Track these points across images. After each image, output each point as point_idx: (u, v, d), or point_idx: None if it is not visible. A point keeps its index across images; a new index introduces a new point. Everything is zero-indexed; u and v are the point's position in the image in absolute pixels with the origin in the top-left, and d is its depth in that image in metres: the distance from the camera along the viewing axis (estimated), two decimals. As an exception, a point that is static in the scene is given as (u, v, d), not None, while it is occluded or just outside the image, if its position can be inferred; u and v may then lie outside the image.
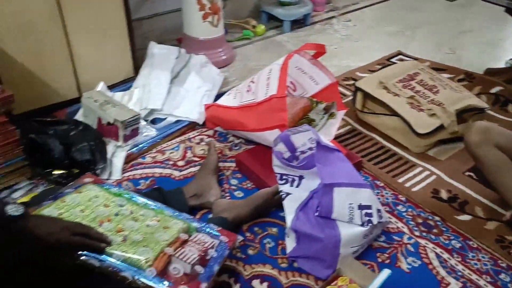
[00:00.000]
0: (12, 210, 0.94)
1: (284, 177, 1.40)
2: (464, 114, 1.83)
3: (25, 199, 1.39)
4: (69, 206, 1.13)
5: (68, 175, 1.49)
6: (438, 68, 2.34)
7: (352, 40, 2.74)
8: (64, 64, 1.79)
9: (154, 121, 1.87)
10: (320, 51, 1.73)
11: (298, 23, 2.86)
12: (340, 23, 2.95)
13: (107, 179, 1.56)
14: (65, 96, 1.85)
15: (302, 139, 1.41)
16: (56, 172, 1.51)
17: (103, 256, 1.02)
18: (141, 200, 1.25)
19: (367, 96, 1.95)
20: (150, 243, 1.08)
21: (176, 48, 2.15)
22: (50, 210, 1.11)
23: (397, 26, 2.93)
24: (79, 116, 1.75)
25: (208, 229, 1.22)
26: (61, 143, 1.52)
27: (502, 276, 1.31)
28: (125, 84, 2.00)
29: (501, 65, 2.44)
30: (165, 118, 1.86)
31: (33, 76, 1.72)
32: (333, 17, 3.02)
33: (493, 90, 2.17)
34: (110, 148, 1.65)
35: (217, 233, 1.21)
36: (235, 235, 1.24)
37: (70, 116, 1.75)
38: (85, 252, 1.01)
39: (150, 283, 1.00)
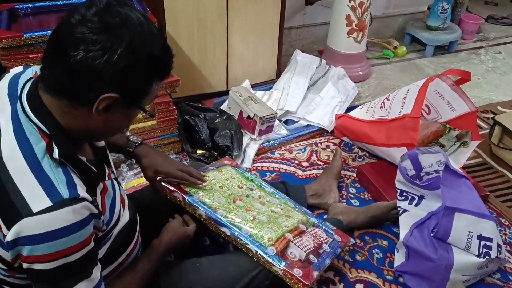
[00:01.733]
0: (134, 138, 1.16)
1: (404, 193, 1.44)
2: None
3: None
4: (210, 181, 1.28)
5: (209, 156, 1.71)
6: None
7: (499, 73, 2.61)
8: (220, 59, 2.03)
9: (287, 122, 2.02)
10: (464, 78, 1.71)
11: (442, 49, 2.81)
12: (488, 54, 2.82)
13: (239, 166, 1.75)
14: (214, 87, 2.09)
15: (430, 160, 1.43)
16: (200, 151, 1.74)
17: (234, 228, 1.17)
18: (269, 188, 1.39)
19: (505, 131, 1.87)
20: (274, 225, 1.20)
21: (318, 58, 2.29)
22: None
23: (554, 65, 2.71)
24: (224, 107, 1.97)
25: (324, 226, 1.31)
26: (208, 127, 1.75)
27: None
28: (266, 84, 2.19)
29: None
30: (297, 121, 2.00)
31: (194, 67, 1.98)
32: (481, 47, 2.91)
33: None
34: (245, 139, 1.84)
35: (332, 232, 1.30)
36: (348, 237, 1.32)
37: (217, 106, 1.99)
38: (221, 221, 1.16)
39: (270, 260, 1.12)
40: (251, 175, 1.43)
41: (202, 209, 1.17)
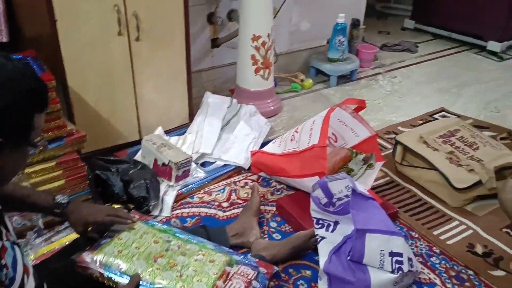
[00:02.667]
0: (60, 198, 1.18)
1: (320, 221, 1.50)
2: (503, 172, 1.86)
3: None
4: (125, 243, 1.22)
5: (125, 209, 1.66)
6: (481, 126, 2.38)
7: (397, 96, 2.84)
8: (130, 109, 2.02)
9: (204, 164, 2.03)
10: (361, 105, 1.84)
11: (345, 78, 3.01)
12: (385, 79, 3.07)
13: (158, 215, 1.72)
14: (127, 138, 2.06)
15: (339, 186, 1.50)
16: (115, 206, 1.68)
17: None
18: (183, 235, 1.36)
19: (406, 149, 2.02)
20: (203, 276, 1.18)
21: (229, 98, 2.35)
22: (110, 248, 1.20)
23: (444, 84, 3.00)
24: (138, 157, 1.95)
25: (247, 261, 1.32)
26: (121, 180, 1.71)
27: (536, 335, 1.31)
28: (180, 129, 2.20)
29: (548, 125, 2.44)
30: (214, 162, 2.02)
31: (103, 120, 1.95)
32: (379, 73, 3.15)
33: (537, 149, 2.17)
34: (163, 187, 1.82)
35: (256, 265, 1.32)
36: (272, 266, 1.35)
37: (130, 156, 1.95)
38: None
39: None
40: (162, 225, 1.38)
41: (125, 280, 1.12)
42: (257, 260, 1.34)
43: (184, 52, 2.08)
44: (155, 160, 1.86)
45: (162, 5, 1.92)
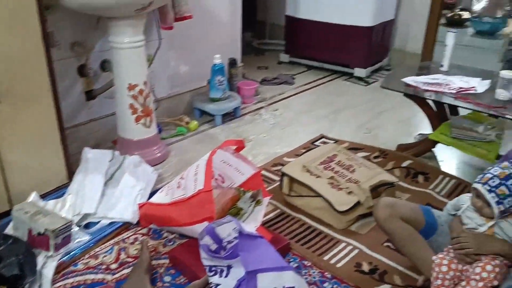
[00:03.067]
0: None
1: (213, 268, 1.48)
2: (378, 189, 2.01)
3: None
4: None
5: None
6: (356, 148, 2.57)
7: (280, 127, 2.96)
8: (-5, 178, 1.83)
9: (88, 226, 1.90)
10: (240, 145, 1.89)
11: (229, 116, 3.07)
12: (268, 112, 3.19)
13: (38, 291, 1.56)
14: (-4, 209, 1.87)
15: (227, 230, 1.50)
16: (-16, 289, 1.50)
17: None
18: None
19: (292, 180, 2.10)
20: None
21: (110, 151, 2.25)
22: None
23: (321, 111, 3.21)
24: (9, 229, 1.76)
25: None
26: (-11, 259, 1.53)
27: None
28: (58, 191, 2.05)
29: (411, 140, 2.71)
30: (98, 221, 1.91)
31: (-38, 194, 1.74)
32: (261, 107, 3.27)
33: (404, 164, 2.40)
34: (40, 259, 1.66)
35: None
36: None
37: (1, 230, 1.76)
38: None
39: None
40: None
41: None
42: None
43: (54, 109, 1.96)
44: (30, 231, 1.70)
45: (22, 64, 1.80)
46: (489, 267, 1.39)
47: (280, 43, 4.41)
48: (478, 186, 1.44)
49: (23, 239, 1.67)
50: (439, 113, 2.45)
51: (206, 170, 1.73)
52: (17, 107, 1.82)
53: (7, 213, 1.84)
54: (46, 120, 1.96)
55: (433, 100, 2.36)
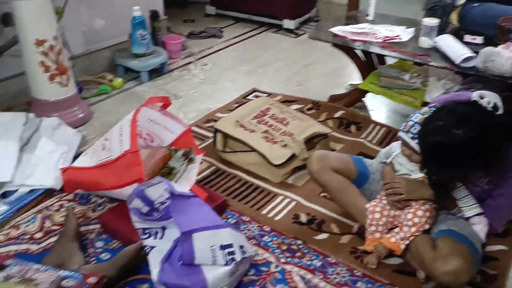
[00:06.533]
0: None
1: (146, 231, 1.40)
2: (313, 140, 2.01)
3: None
4: None
5: None
6: (289, 100, 2.55)
7: (210, 83, 2.86)
8: None
9: (5, 195, 1.73)
10: (166, 102, 1.78)
11: (156, 72, 2.91)
12: (197, 68, 3.06)
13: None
14: None
15: (158, 191, 1.42)
16: None
17: None
18: None
19: (226, 136, 2.03)
20: None
21: (23, 113, 2.04)
22: None
23: (251, 65, 3.13)
24: None
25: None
26: None
27: (359, 284, 1.44)
28: (-34, 160, 1.83)
29: (342, 91, 2.73)
30: (16, 190, 1.74)
31: None
32: (190, 62, 3.13)
33: (337, 115, 2.42)
34: (-49, 234, 1.49)
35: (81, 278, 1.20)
36: (100, 274, 1.26)
37: None
38: None
39: None
40: None
41: None
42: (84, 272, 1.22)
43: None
44: None
45: None
46: (420, 212, 1.44)
47: (205, -5, 4.21)
48: (402, 134, 1.46)
49: None
50: (368, 62, 2.47)
51: (131, 130, 1.62)
52: None
53: None
54: None
55: (361, 50, 2.37)
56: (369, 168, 1.65)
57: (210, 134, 2.24)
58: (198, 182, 1.78)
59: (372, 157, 1.73)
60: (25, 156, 1.86)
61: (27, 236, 1.58)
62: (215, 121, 2.28)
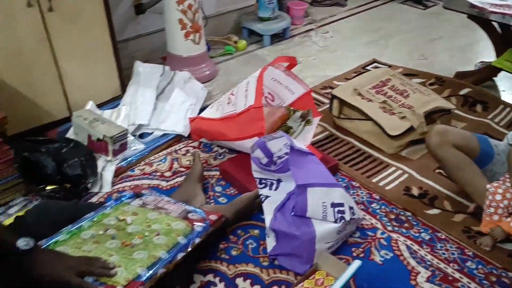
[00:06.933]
0: (22, 244, 1.02)
1: (263, 181, 1.51)
2: (433, 115, 1.95)
3: (21, 213, 1.48)
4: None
5: (60, 190, 1.59)
6: (411, 74, 2.47)
7: (330, 51, 2.86)
8: (54, 85, 1.89)
9: (142, 136, 1.97)
10: (292, 62, 1.84)
11: (278, 37, 2.99)
12: (318, 35, 3.08)
13: (98, 192, 1.66)
14: (55, 116, 1.94)
15: (278, 145, 1.51)
16: (49, 187, 1.60)
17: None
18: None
19: (343, 103, 2.06)
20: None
21: (161, 66, 2.26)
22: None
23: (372, 36, 3.06)
24: (70, 134, 1.85)
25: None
26: (53, 160, 1.62)
27: (469, 263, 1.41)
28: (113, 102, 2.10)
29: (471, 68, 2.56)
30: (152, 132, 1.97)
31: (24, 98, 1.82)
32: (311, 29, 3.16)
33: (462, 92, 2.29)
34: (100, 162, 1.75)
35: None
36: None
37: (61, 135, 1.85)
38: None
39: None
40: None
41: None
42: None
43: (106, 21, 1.96)
44: (89, 136, 1.77)
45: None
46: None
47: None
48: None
49: (83, 144, 1.75)
50: (505, 38, 2.28)
51: (257, 86, 1.71)
52: (70, 17, 1.83)
53: (68, 120, 1.92)
54: (99, 32, 1.96)
55: (499, 23, 2.19)
56: (494, 149, 1.57)
57: (326, 100, 2.28)
58: (312, 144, 1.84)
59: (498, 140, 1.64)
60: (160, 104, 2.08)
61: (158, 174, 1.79)
62: (332, 88, 2.32)
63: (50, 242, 1.18)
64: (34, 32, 1.75)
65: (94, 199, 1.63)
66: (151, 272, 1.11)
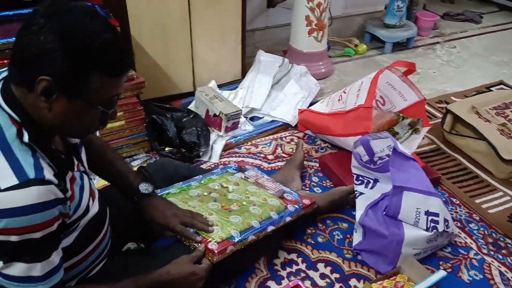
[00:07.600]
0: (143, 188, 1.18)
1: (360, 178, 1.54)
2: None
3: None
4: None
5: (177, 153, 1.78)
6: (541, 101, 2.29)
7: (453, 66, 2.76)
8: (185, 62, 2.11)
9: (252, 119, 2.11)
10: (410, 68, 1.83)
11: (400, 46, 2.95)
12: (443, 49, 2.98)
13: (207, 161, 1.83)
14: (181, 89, 2.17)
15: (381, 145, 1.53)
16: (168, 149, 1.81)
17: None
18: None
19: (457, 119, 1.99)
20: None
21: (281, 57, 2.39)
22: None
23: (505, 56, 2.88)
24: (191, 106, 2.06)
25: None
26: (175, 125, 1.83)
27: None
28: (232, 84, 2.28)
29: None
30: (262, 117, 2.10)
31: (160, 70, 2.06)
32: (437, 42, 3.06)
33: None
34: (213, 136, 1.92)
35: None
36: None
37: (184, 106, 2.06)
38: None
39: None
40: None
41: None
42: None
43: (240, 10, 2.13)
44: (207, 111, 1.96)
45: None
46: None
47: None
48: None
49: (201, 116, 1.94)
50: None
51: (370, 87, 1.74)
52: (210, 3, 2.03)
53: (191, 94, 2.13)
54: (232, 19, 2.14)
55: None
56: None
57: (439, 114, 2.22)
58: (416, 154, 1.82)
59: None
60: (274, 92, 2.21)
61: (262, 155, 1.91)
62: (448, 103, 2.25)
63: (164, 192, 1.35)
64: (180, 11, 1.97)
65: (203, 167, 1.80)
66: (242, 236, 1.22)
